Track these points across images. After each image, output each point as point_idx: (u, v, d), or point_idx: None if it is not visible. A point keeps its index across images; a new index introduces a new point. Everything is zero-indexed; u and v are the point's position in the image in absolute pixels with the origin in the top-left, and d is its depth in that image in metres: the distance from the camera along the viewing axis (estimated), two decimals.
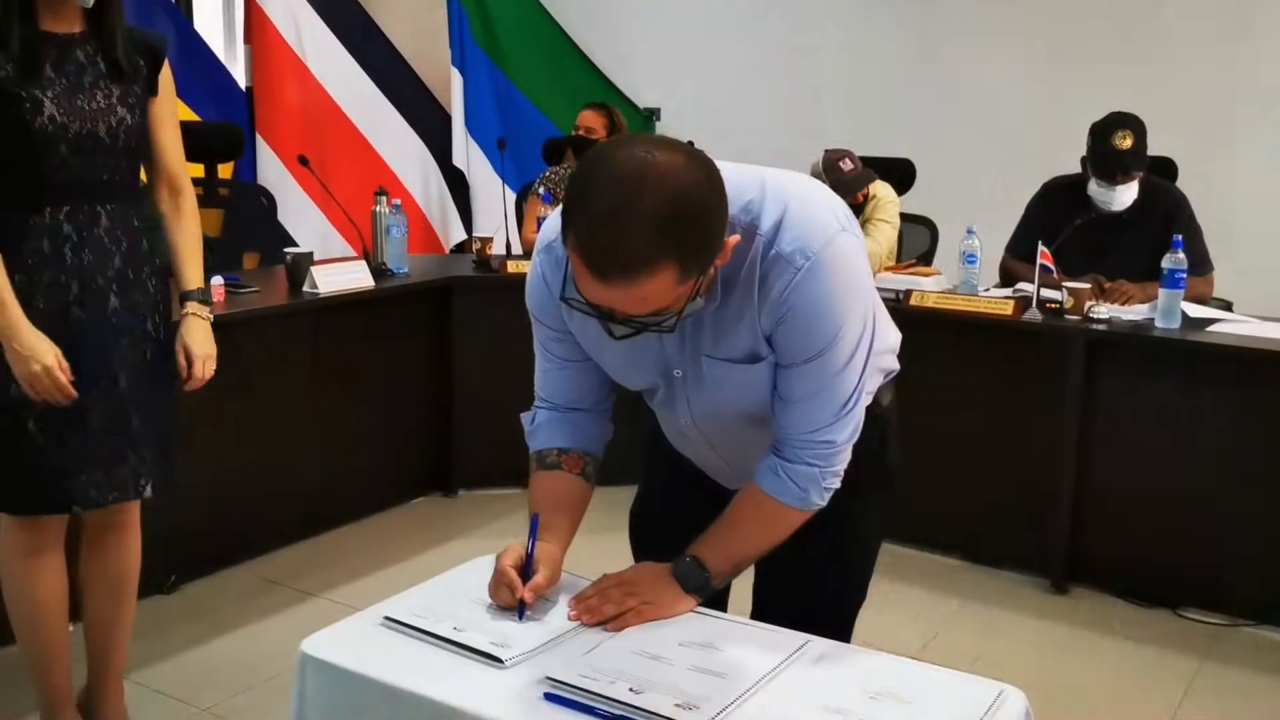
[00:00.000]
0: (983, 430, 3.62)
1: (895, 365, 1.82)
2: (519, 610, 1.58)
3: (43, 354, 2.15)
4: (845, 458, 1.65)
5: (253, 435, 3.60)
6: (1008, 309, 3.48)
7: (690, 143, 1.50)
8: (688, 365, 1.64)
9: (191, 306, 2.37)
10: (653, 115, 5.98)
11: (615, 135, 4.48)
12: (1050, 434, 3.47)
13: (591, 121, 4.59)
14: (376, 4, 6.49)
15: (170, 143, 2.38)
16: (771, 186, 1.53)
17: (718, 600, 1.78)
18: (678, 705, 1.36)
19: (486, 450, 4.24)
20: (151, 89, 2.32)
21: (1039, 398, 3.50)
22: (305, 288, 3.70)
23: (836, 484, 1.66)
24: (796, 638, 1.57)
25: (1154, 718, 2.87)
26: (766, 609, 1.82)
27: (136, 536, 2.49)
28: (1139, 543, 3.43)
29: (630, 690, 1.40)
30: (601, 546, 1.94)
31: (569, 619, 1.59)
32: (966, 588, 3.57)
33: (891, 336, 1.79)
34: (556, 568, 1.66)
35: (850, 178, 4.06)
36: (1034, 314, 3.49)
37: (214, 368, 2.41)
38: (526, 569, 1.61)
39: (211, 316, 2.43)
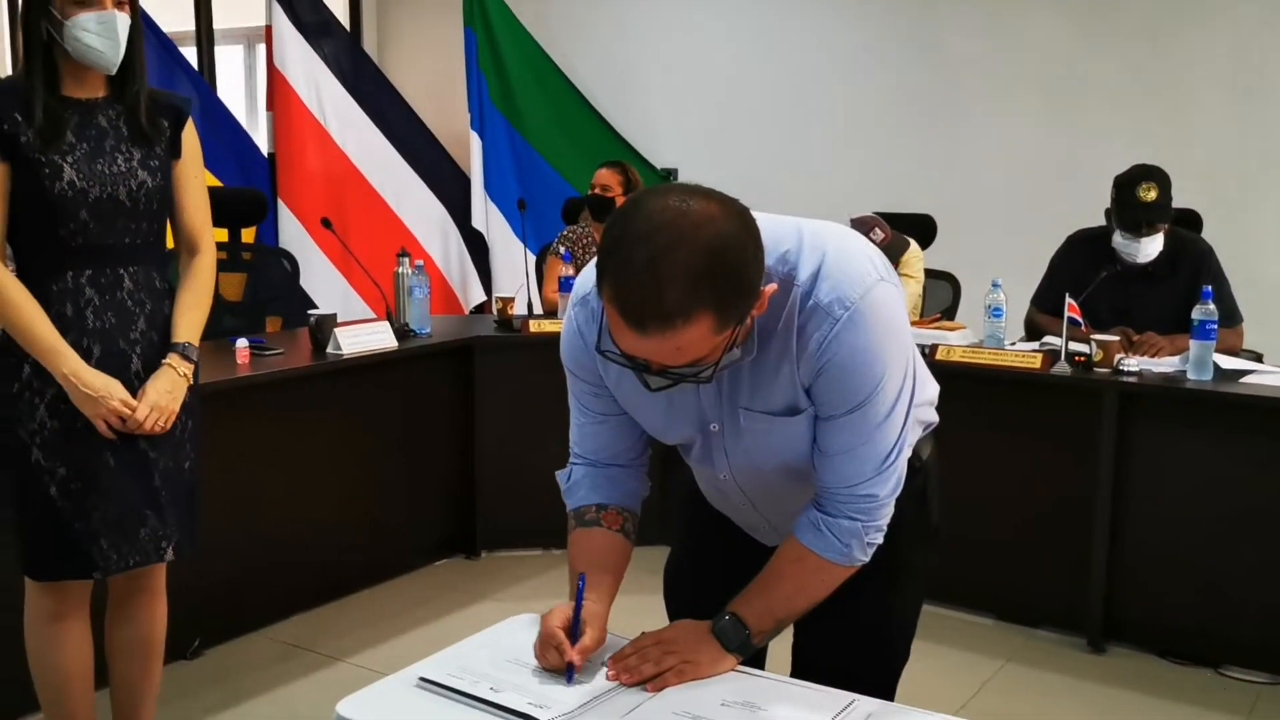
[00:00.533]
0: (1014, 487, 3.58)
1: (935, 418, 1.80)
2: (568, 673, 1.54)
3: (113, 389, 2.19)
4: (888, 512, 1.62)
5: (276, 498, 3.58)
6: (1036, 362, 3.45)
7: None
8: (725, 419, 1.61)
9: (171, 357, 2.31)
10: (670, 175, 6.01)
11: (632, 192, 4.50)
12: (1083, 490, 3.42)
13: (608, 180, 4.61)
14: (396, 69, 6.60)
15: (192, 203, 2.38)
16: (809, 236, 1.51)
17: (755, 658, 1.74)
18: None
19: (510, 511, 4.22)
20: (174, 151, 2.34)
21: (1070, 452, 3.46)
22: (329, 349, 3.70)
23: (880, 539, 1.62)
24: (842, 697, 1.53)
25: None
26: (808, 668, 1.76)
27: (162, 601, 2.47)
28: (1177, 600, 3.36)
29: None
30: (636, 607, 1.90)
31: (607, 679, 1.55)
32: (1003, 648, 3.50)
33: (930, 388, 1.77)
34: (603, 627, 1.62)
35: (884, 246, 4.05)
36: (1063, 367, 3.46)
37: (165, 424, 2.28)
38: (574, 630, 1.58)
39: (189, 375, 2.35)
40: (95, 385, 2.19)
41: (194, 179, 2.39)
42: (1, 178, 2.16)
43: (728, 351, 1.43)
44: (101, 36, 2.17)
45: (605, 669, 1.58)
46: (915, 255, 4.26)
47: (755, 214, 1.45)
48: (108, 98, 2.26)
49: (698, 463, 1.74)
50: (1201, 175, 4.56)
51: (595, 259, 1.41)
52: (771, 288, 1.44)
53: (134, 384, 2.27)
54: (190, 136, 2.37)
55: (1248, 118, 4.69)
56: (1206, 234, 4.02)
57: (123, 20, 2.19)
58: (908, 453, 1.63)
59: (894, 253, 4.10)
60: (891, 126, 5.42)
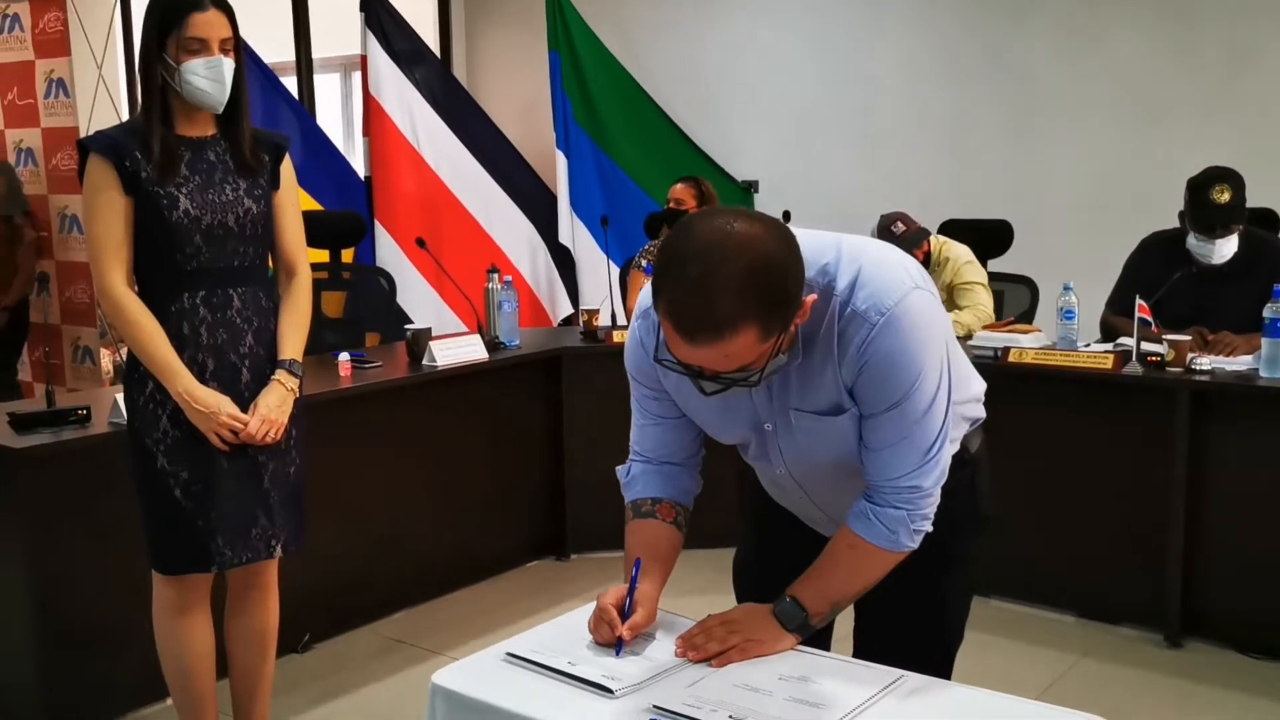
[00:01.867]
0: (1091, 486, 3.63)
1: (982, 413, 1.92)
2: (617, 647, 1.69)
3: (222, 405, 2.41)
4: (933, 502, 1.73)
5: (378, 502, 3.81)
6: (1108, 363, 3.51)
7: (786, 213, 1.65)
8: (777, 419, 1.74)
9: (279, 374, 2.52)
10: (751, 188, 6.14)
11: (705, 205, 4.65)
12: (1158, 487, 3.47)
13: (682, 194, 4.77)
14: (485, 93, 6.85)
15: (290, 229, 2.60)
16: (846, 250, 1.65)
17: (820, 643, 1.86)
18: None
19: (598, 514, 4.36)
20: (274, 182, 2.55)
21: (1146, 451, 3.50)
22: (424, 361, 3.91)
23: (926, 527, 1.73)
24: (891, 673, 1.65)
25: None
26: (867, 650, 1.89)
27: (275, 595, 2.69)
28: (1253, 595, 3.39)
29: (730, 717, 1.50)
30: (707, 606, 1.98)
31: (675, 655, 1.70)
32: (1080, 642, 3.56)
33: (976, 386, 1.89)
34: (653, 608, 1.77)
35: (909, 237, 4.15)
36: (1134, 367, 3.51)
37: (276, 435, 2.49)
38: (627, 608, 1.73)
39: (296, 388, 2.56)
40: (207, 402, 2.41)
41: (291, 207, 2.61)
42: (127, 211, 2.40)
43: (774, 358, 1.57)
44: (210, 80, 2.39)
45: (673, 646, 1.72)
46: (969, 259, 4.28)
47: (797, 230, 1.60)
48: (216, 135, 2.48)
49: (755, 460, 1.87)
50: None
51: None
52: (812, 298, 1.58)
53: (244, 395, 2.48)
54: (288, 169, 2.59)
55: None
56: None
57: (228, 65, 2.41)
58: (950, 447, 1.73)
59: (917, 241, 4.18)
60: (968, 137, 5.48)
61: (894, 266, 1.65)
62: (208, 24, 2.39)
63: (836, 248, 1.65)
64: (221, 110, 2.46)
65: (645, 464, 1.90)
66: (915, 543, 1.74)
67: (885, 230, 4.21)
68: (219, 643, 2.66)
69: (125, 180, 2.39)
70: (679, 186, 4.81)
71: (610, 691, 1.59)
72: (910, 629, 1.87)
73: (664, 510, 1.87)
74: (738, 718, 1.50)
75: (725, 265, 1.46)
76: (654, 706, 1.54)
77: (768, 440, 1.79)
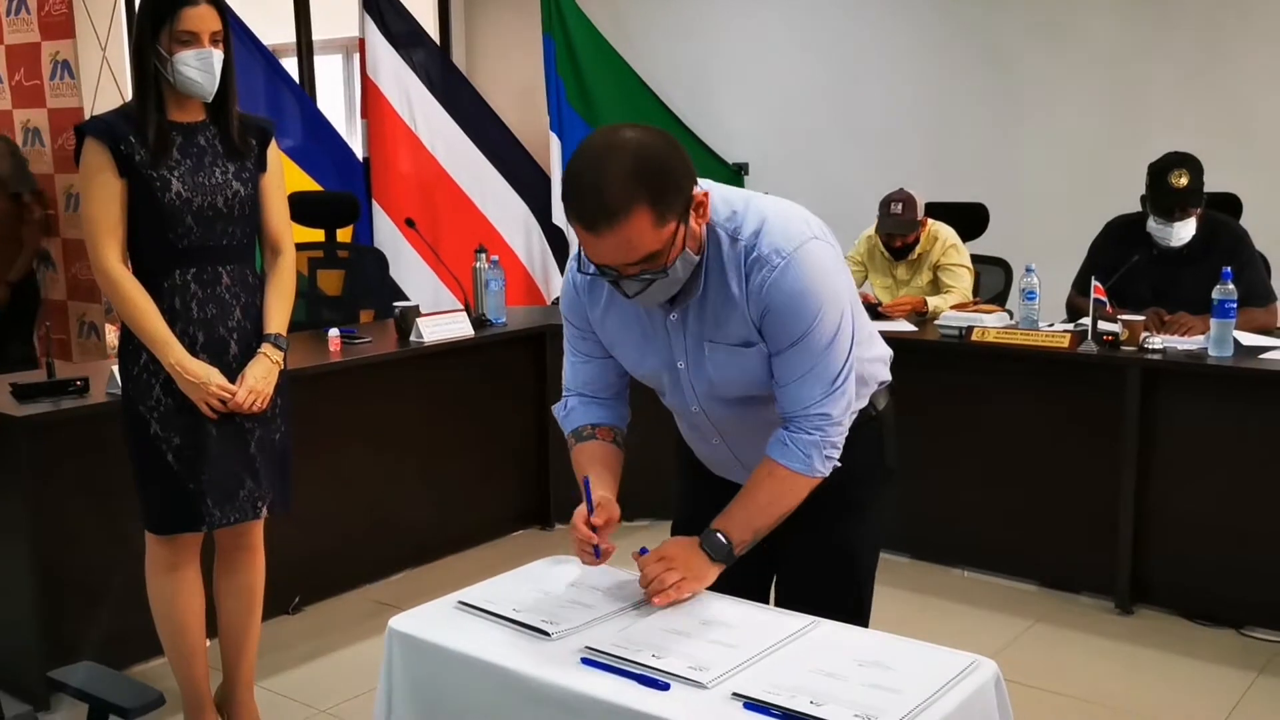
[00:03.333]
0: (1051, 460, 3.78)
1: (887, 376, 2.13)
2: (595, 551, 1.90)
3: (212, 376, 2.57)
4: (842, 431, 1.90)
5: (366, 472, 3.97)
6: (1064, 342, 3.65)
7: (766, 193, 1.91)
8: (690, 355, 1.92)
9: (265, 347, 2.68)
10: (741, 169, 6.26)
11: None
12: (1111, 461, 3.61)
13: None
14: (481, 76, 6.99)
15: (275, 210, 2.75)
16: (754, 204, 1.87)
17: (758, 597, 2.03)
18: (691, 667, 1.62)
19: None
20: (261, 165, 2.71)
21: (1100, 427, 3.65)
22: (412, 338, 4.07)
23: (836, 455, 1.90)
24: (805, 619, 1.81)
25: None
26: (785, 602, 2.05)
27: (261, 555, 2.86)
28: (1201, 564, 3.55)
29: (653, 655, 1.66)
30: None
31: (640, 591, 1.88)
32: (1037, 609, 3.71)
33: (880, 348, 2.11)
34: (613, 507, 1.95)
35: (903, 220, 4.31)
36: (1090, 346, 3.65)
37: (261, 405, 2.64)
38: (590, 517, 1.91)
39: (281, 361, 2.71)
40: (197, 373, 2.57)
41: (276, 189, 2.76)
42: (122, 192, 2.55)
43: (679, 252, 1.75)
44: (200, 70, 2.55)
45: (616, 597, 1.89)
46: (955, 242, 4.46)
47: (713, 184, 1.85)
48: (205, 121, 2.64)
49: (671, 399, 2.05)
50: (1253, 163, 4.67)
51: None
52: (705, 193, 1.79)
53: (232, 366, 2.64)
54: (274, 153, 2.74)
55: None
56: (1258, 220, 4.15)
57: (218, 56, 2.56)
58: (853, 380, 1.90)
59: (910, 227, 4.38)
60: (947, 122, 5.60)
61: (796, 220, 1.86)
62: (199, 17, 2.54)
63: (745, 200, 1.87)
64: (211, 99, 2.61)
65: (580, 398, 2.10)
66: (827, 469, 1.90)
67: (885, 210, 4.37)
68: (209, 602, 2.83)
69: (120, 163, 2.54)
70: None
71: (547, 634, 1.76)
72: (823, 577, 2.06)
73: (603, 433, 2.07)
74: (659, 655, 1.66)
75: (611, 160, 1.68)
76: (586, 648, 1.70)
77: (680, 378, 1.96)
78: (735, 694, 1.56)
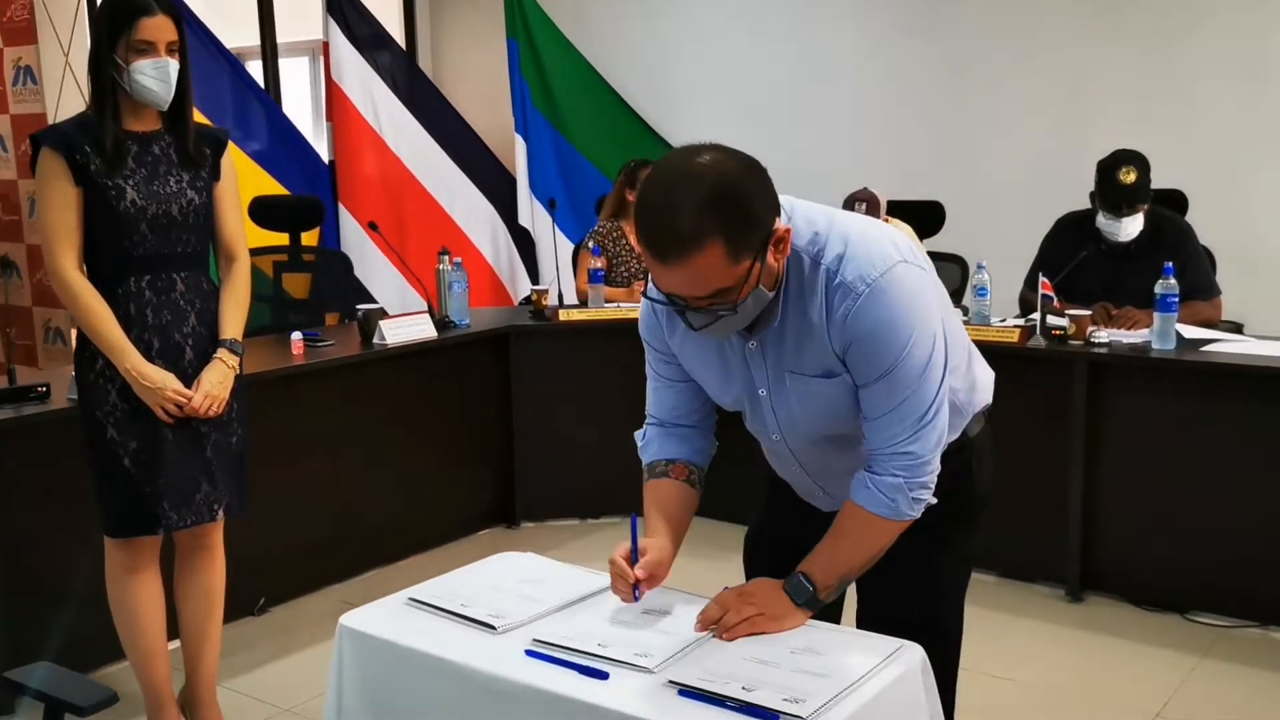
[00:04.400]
0: (1003, 453, 3.83)
1: (988, 399, 2.01)
2: (635, 591, 1.81)
3: (168, 381, 2.60)
4: (932, 470, 1.78)
5: (331, 474, 4.01)
6: (1014, 336, 3.74)
7: None
8: (772, 384, 1.82)
9: (221, 352, 2.71)
10: None
11: None
12: (1059, 453, 3.69)
13: None
14: (447, 80, 7.03)
15: (230, 218, 2.79)
16: (838, 223, 1.75)
17: (830, 618, 1.91)
18: (636, 654, 1.68)
19: (546, 484, 4.61)
20: (215, 174, 2.75)
21: (1049, 419, 3.72)
22: (375, 340, 4.11)
23: (926, 495, 1.78)
24: (893, 642, 1.74)
25: (1145, 706, 3.08)
26: (868, 626, 1.91)
27: (220, 556, 2.89)
28: (1147, 552, 3.64)
29: (599, 645, 1.72)
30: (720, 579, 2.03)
31: (695, 630, 1.76)
32: (992, 599, 3.78)
33: (982, 373, 2.01)
34: (662, 551, 1.85)
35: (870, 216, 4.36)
36: (1039, 340, 3.73)
37: (217, 409, 2.67)
38: (634, 558, 1.82)
39: (236, 365, 2.74)
40: (153, 379, 2.61)
41: (231, 196, 2.80)
42: (78, 200, 2.59)
43: (753, 289, 1.64)
44: (157, 80, 2.58)
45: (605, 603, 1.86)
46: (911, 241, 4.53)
47: (796, 200, 1.74)
48: (161, 130, 2.68)
49: (753, 426, 1.94)
50: (1199, 160, 4.78)
51: None
52: (787, 228, 1.66)
53: (187, 372, 2.68)
54: (228, 161, 2.78)
55: (1245, 106, 4.85)
56: (1203, 214, 4.25)
57: (174, 66, 2.60)
58: (944, 413, 1.77)
59: None
60: (905, 118, 5.68)
61: (881, 241, 1.73)
62: (155, 28, 2.58)
63: (829, 220, 1.75)
64: (167, 107, 2.65)
65: (659, 427, 1.99)
66: (916, 512, 1.78)
67: (849, 209, 4.41)
68: (170, 604, 2.87)
69: (76, 172, 2.58)
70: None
71: (493, 628, 1.81)
72: (905, 605, 1.91)
73: (677, 470, 1.96)
74: (604, 644, 1.72)
75: (688, 187, 1.58)
76: (533, 640, 1.76)
77: (762, 405, 1.86)
78: (671, 681, 1.62)
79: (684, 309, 1.68)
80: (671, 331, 1.86)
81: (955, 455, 1.88)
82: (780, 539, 1.92)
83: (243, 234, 2.84)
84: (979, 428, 1.99)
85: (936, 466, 1.78)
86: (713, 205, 1.57)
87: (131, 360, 2.59)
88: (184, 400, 2.63)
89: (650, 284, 1.70)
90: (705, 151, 1.64)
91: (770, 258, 1.65)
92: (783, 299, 1.73)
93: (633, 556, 1.83)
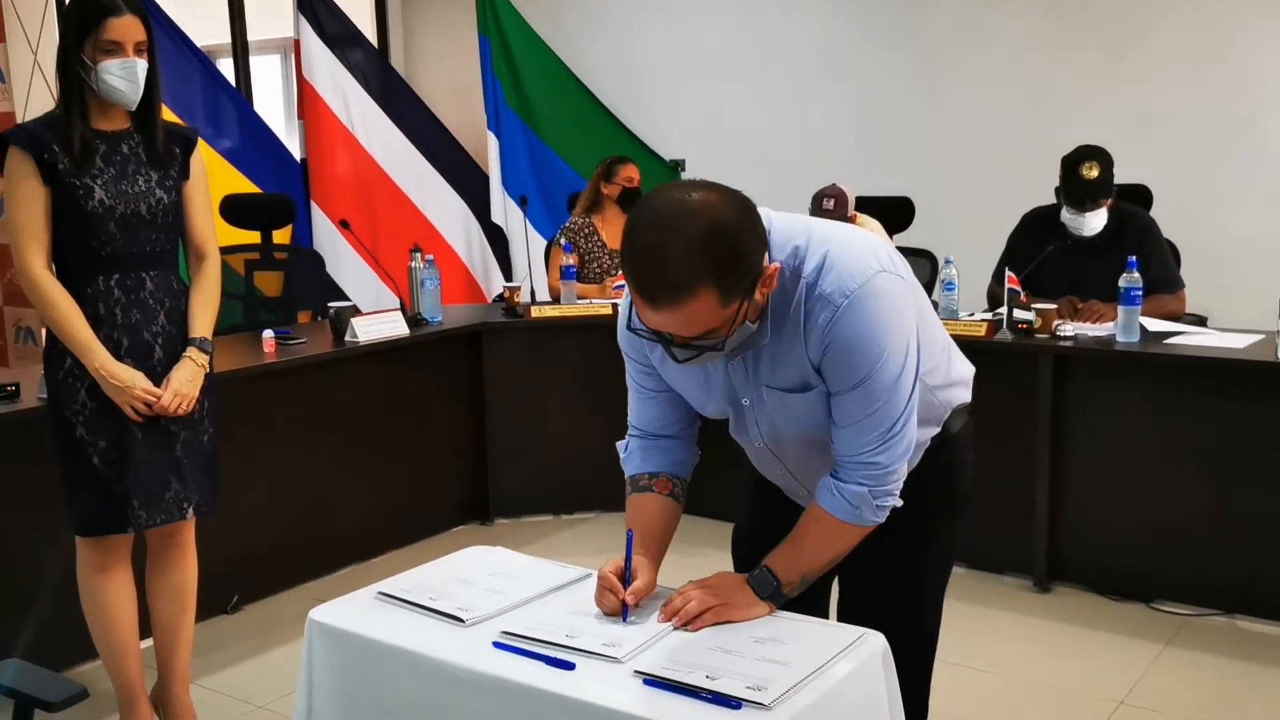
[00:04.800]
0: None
1: (966, 397, 2.01)
2: (623, 613, 1.80)
3: (137, 380, 2.61)
4: (897, 479, 1.79)
5: (305, 472, 4.02)
6: (981, 330, 3.78)
7: None
8: (753, 394, 1.83)
9: (190, 350, 2.72)
10: (678, 166, 6.36)
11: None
12: (1026, 445, 3.74)
13: (632, 172, 4.99)
14: (420, 77, 7.03)
15: (199, 217, 2.80)
16: (816, 235, 1.72)
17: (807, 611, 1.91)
18: (605, 645, 1.71)
19: (519, 480, 4.63)
20: (185, 173, 2.75)
21: (1016, 412, 3.76)
22: (347, 338, 4.12)
23: (890, 502, 1.80)
24: (854, 631, 1.76)
25: (1110, 694, 3.13)
26: (847, 619, 1.93)
27: (192, 554, 2.90)
28: (1112, 542, 3.69)
29: (566, 636, 1.74)
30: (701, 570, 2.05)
31: (658, 621, 1.78)
32: (957, 590, 3.77)
33: (961, 369, 2.01)
34: (652, 576, 1.86)
35: (835, 216, 4.39)
36: (1005, 334, 3.78)
37: (187, 407, 2.68)
38: (625, 578, 1.82)
39: (206, 364, 2.75)
40: (122, 378, 2.61)
41: (201, 195, 2.80)
42: (46, 200, 2.59)
43: (739, 325, 1.64)
44: (125, 79, 2.59)
45: (653, 611, 1.82)
46: (879, 234, 4.56)
47: (773, 213, 1.72)
48: (130, 129, 2.68)
49: (736, 433, 1.95)
50: (1162, 155, 4.85)
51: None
52: (775, 267, 1.65)
53: (156, 370, 2.69)
54: (198, 160, 2.78)
55: (1206, 101, 4.91)
56: (1167, 209, 4.30)
57: (141, 65, 2.60)
58: (912, 425, 1.78)
59: (840, 220, 4.41)
60: (873, 114, 5.73)
61: (861, 250, 1.72)
62: (123, 28, 2.58)
63: (807, 231, 1.73)
64: (135, 107, 2.65)
65: (641, 439, 1.99)
66: (880, 518, 1.81)
67: (817, 206, 4.45)
68: (142, 603, 2.87)
69: (44, 171, 2.58)
70: (630, 166, 5.02)
71: (461, 621, 1.83)
72: (885, 600, 1.94)
73: (660, 484, 1.96)
74: (572, 635, 1.74)
75: (679, 230, 1.55)
76: (502, 632, 1.78)
77: (745, 414, 1.87)
78: (637, 671, 1.64)
79: (669, 343, 1.66)
80: (652, 348, 1.84)
81: (937, 451, 1.91)
82: (767, 537, 1.91)
83: (213, 232, 2.84)
84: (960, 423, 2.00)
85: (903, 474, 1.80)
86: (705, 251, 1.54)
87: (100, 359, 2.60)
88: (153, 399, 2.63)
89: (634, 316, 1.68)
90: (695, 189, 1.61)
91: (757, 294, 1.65)
92: (765, 327, 1.73)
93: (625, 574, 1.83)
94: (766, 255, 1.66)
